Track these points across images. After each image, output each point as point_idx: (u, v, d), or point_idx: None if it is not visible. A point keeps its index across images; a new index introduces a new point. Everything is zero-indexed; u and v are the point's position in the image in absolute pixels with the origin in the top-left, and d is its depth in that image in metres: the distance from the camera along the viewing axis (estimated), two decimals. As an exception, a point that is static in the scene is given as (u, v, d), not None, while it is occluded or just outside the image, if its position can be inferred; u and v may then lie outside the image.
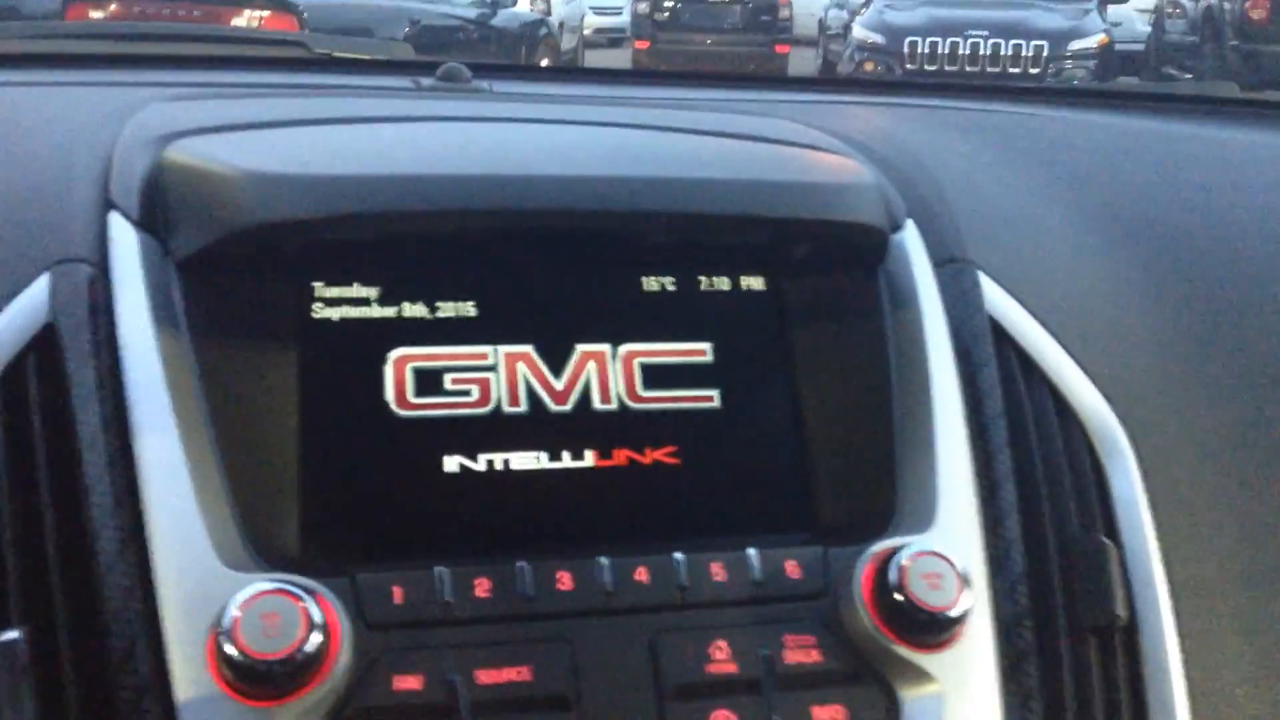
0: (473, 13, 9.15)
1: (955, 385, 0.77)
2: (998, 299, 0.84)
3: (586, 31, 14.69)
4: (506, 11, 9.61)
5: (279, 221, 0.69)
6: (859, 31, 10.04)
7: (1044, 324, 0.84)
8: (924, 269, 0.83)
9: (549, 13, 11.49)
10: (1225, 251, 0.98)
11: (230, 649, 0.58)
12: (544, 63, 10.15)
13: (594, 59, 14.16)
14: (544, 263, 0.77)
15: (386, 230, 0.71)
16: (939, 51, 9.40)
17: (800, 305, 0.81)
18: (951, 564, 0.66)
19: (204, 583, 0.62)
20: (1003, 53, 9.33)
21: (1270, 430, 0.85)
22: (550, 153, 0.82)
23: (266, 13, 7.02)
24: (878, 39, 9.74)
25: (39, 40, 1.38)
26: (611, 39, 15.85)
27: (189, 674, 0.60)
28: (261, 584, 0.60)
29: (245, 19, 7.00)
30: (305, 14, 7.06)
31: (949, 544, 0.68)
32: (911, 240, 0.85)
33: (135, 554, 0.63)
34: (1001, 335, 0.83)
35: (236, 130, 0.84)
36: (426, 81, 1.23)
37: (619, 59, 13.43)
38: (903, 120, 1.27)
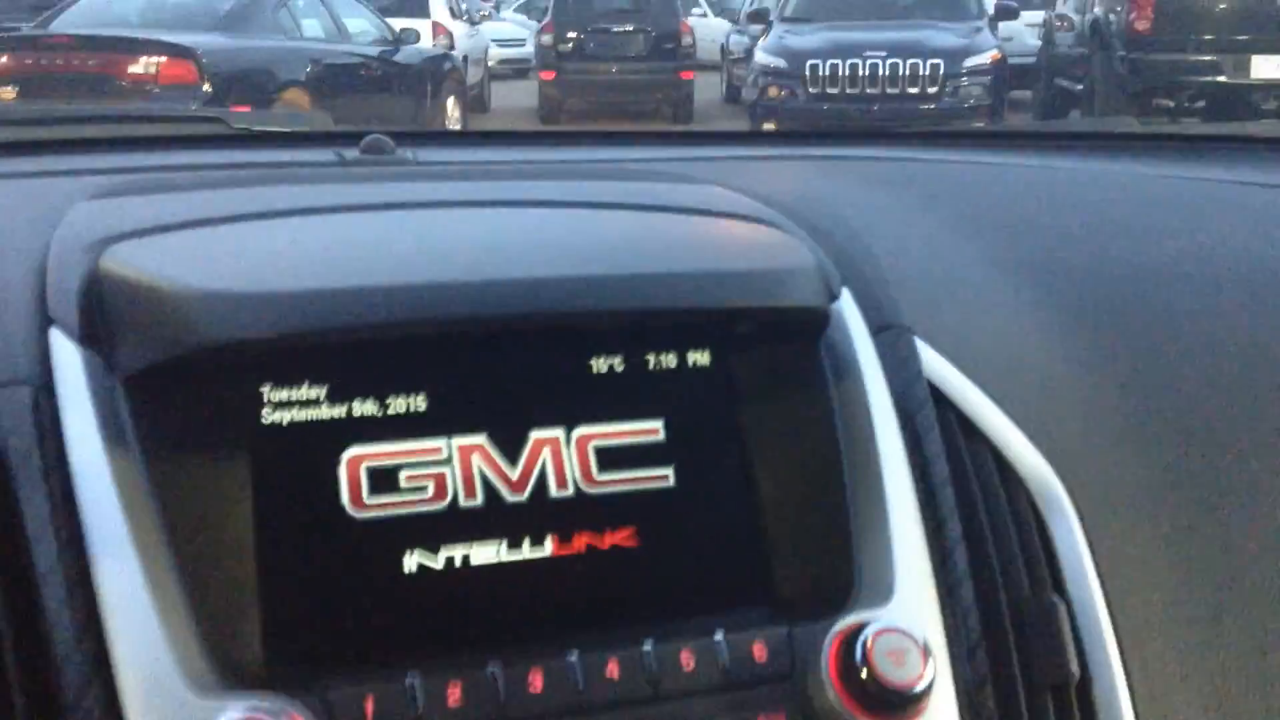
0: (374, 50, 9.11)
1: (902, 453, 0.79)
2: (935, 363, 0.87)
3: (491, 63, 14.68)
4: (409, 48, 9.57)
5: (229, 341, 0.68)
6: (761, 56, 10.19)
7: (981, 385, 0.86)
8: (863, 337, 0.85)
9: (452, 46, 11.46)
10: (1147, 296, 1.02)
11: None
12: (450, 99, 10.13)
13: (500, 90, 14.17)
14: (492, 355, 0.78)
15: (336, 341, 0.71)
16: (839, 73, 9.58)
17: (746, 378, 0.82)
18: (913, 638, 0.68)
19: (173, 711, 0.61)
20: (901, 72, 9.54)
21: (1202, 476, 0.89)
22: (493, 251, 0.82)
23: (163, 58, 6.92)
24: (780, 63, 9.89)
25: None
26: (516, 69, 15.88)
27: None
28: (234, 711, 0.59)
29: (142, 65, 6.89)
30: (204, 59, 6.97)
31: (909, 616, 0.70)
32: (849, 309, 0.87)
33: (101, 685, 0.62)
34: (940, 399, 0.85)
35: (170, 231, 0.83)
36: (350, 154, 1.23)
37: (525, 89, 13.45)
38: (821, 174, 1.29)
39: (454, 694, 0.66)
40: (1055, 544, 0.82)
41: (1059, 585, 0.81)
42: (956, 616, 0.75)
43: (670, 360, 0.82)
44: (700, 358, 0.82)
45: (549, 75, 12.42)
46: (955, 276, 1.00)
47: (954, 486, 0.80)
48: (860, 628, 0.68)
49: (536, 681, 0.67)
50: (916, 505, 0.78)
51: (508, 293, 0.74)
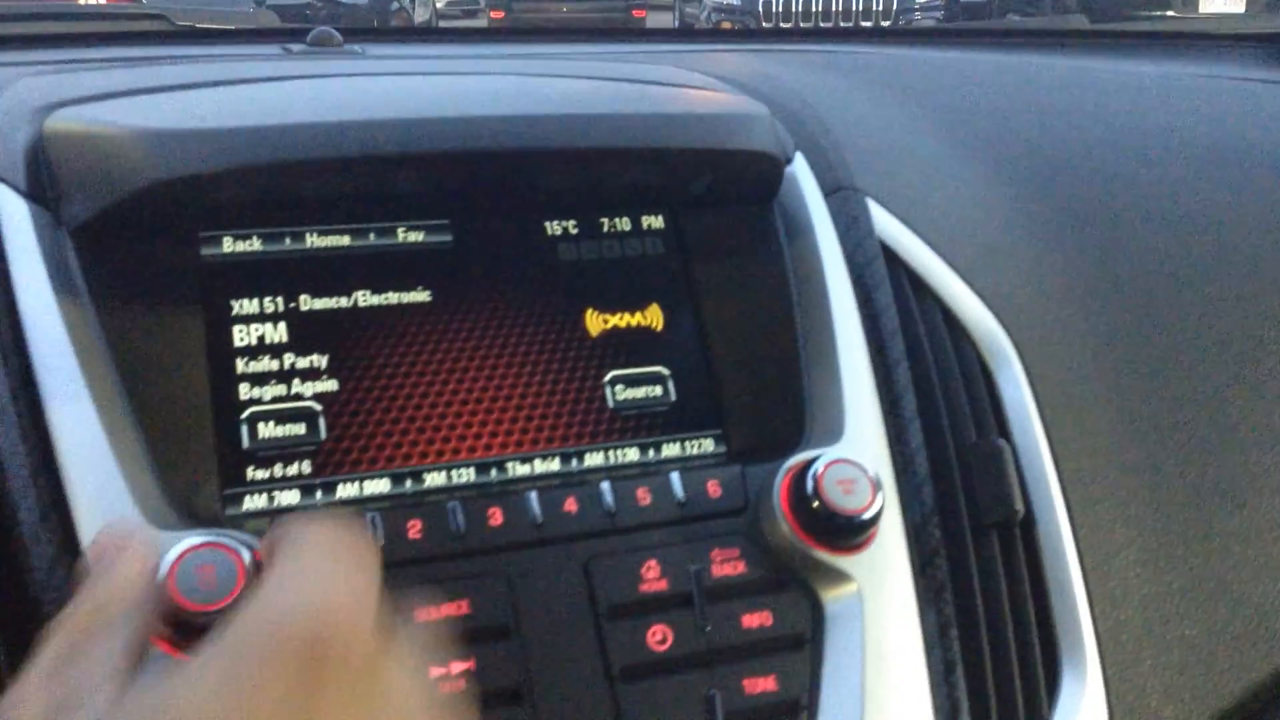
0: (322, -13, 8.96)
1: (853, 306, 0.80)
2: (887, 224, 0.88)
3: (439, 4, 14.47)
4: (357, -14, 9.42)
5: (170, 179, 0.68)
6: (715, -7, 10.13)
7: (930, 245, 0.88)
8: (816, 199, 0.86)
9: (400, -14, 11.27)
10: (1090, 167, 1.04)
11: (167, 605, 0.58)
12: (399, 37, 9.96)
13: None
14: (442, 207, 0.78)
15: (282, 180, 0.71)
16: (794, 9, 9.54)
17: (700, 240, 0.83)
18: (863, 469, 0.69)
19: None
20: (854, 8, 9.52)
21: (1143, 331, 0.91)
22: (438, 98, 0.82)
23: (109, -4, 6.77)
24: (734, 0, 9.84)
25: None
26: (465, 10, 15.65)
27: None
28: (193, 538, 0.60)
29: None
30: (146, -4, 6.84)
31: (859, 452, 0.71)
32: (802, 172, 0.87)
33: (59, 523, 0.62)
34: (892, 258, 0.86)
35: (117, 97, 0.82)
36: (297, 48, 1.21)
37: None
38: (776, 63, 1.30)
39: (413, 528, 0.66)
40: (1001, 392, 0.84)
41: (1004, 430, 0.83)
42: (905, 456, 0.77)
43: (624, 223, 0.83)
44: (654, 221, 0.83)
45: (498, 14, 12.27)
46: (905, 146, 1.01)
47: (903, 337, 0.82)
48: (811, 462, 0.70)
49: (496, 515, 0.68)
50: (867, 354, 0.79)
51: (450, 129, 0.74)
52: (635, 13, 12.28)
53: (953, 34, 1.60)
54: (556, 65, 1.04)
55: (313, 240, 0.76)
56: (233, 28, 1.39)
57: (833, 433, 0.75)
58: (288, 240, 0.76)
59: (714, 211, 0.84)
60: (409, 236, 0.78)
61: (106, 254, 0.71)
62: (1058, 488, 0.81)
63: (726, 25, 9.71)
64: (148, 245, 0.72)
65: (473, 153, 0.74)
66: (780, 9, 9.57)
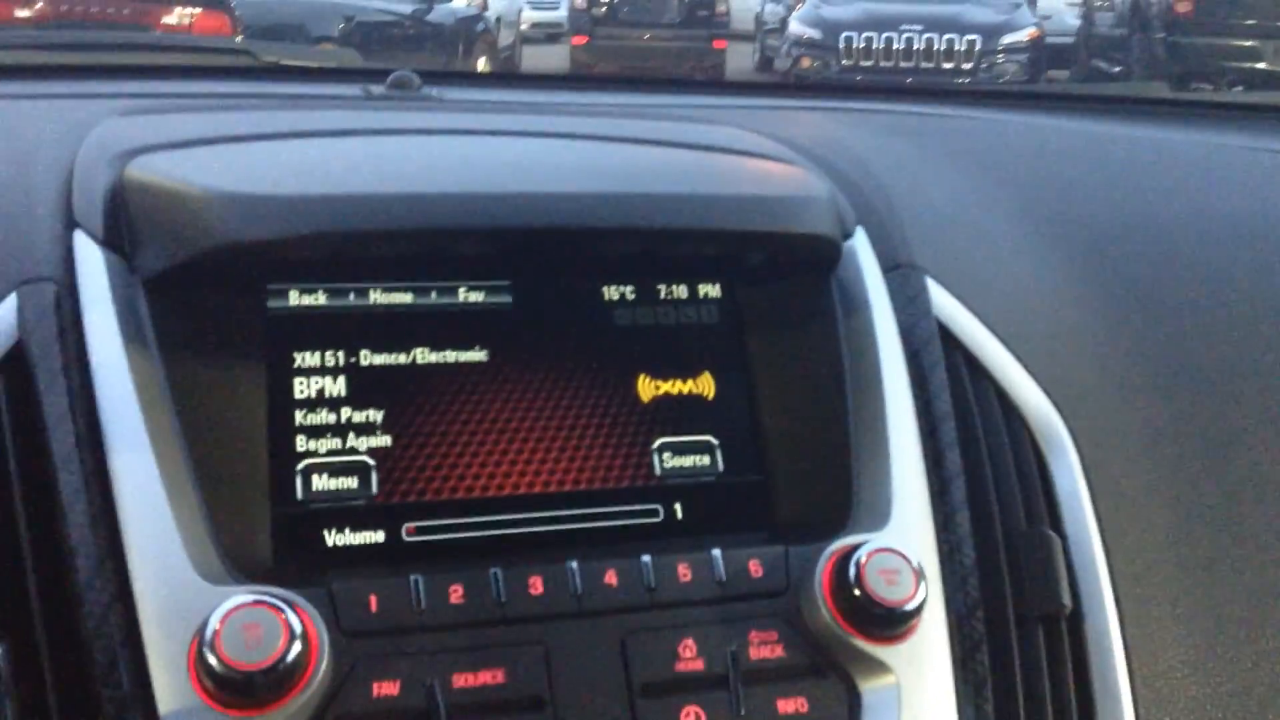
0: (408, 8, 9.09)
1: (906, 387, 0.80)
2: (945, 303, 0.87)
3: (524, 26, 14.62)
4: (443, 7, 9.54)
5: (246, 242, 0.70)
6: (795, 27, 10.12)
7: (989, 326, 0.87)
8: (874, 275, 0.86)
9: (486, 8, 11.41)
10: (1161, 251, 1.02)
11: (212, 660, 0.59)
12: (482, 59, 10.11)
13: (531, 54, 14.11)
14: (498, 270, 0.80)
15: (349, 244, 0.73)
16: (874, 46, 9.50)
17: (756, 312, 0.84)
18: (907, 559, 0.69)
19: (183, 597, 0.63)
20: (936, 47, 9.46)
21: (1204, 424, 0.89)
22: (506, 167, 0.84)
23: (198, 10, 6.93)
24: (814, 34, 9.82)
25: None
26: (549, 34, 15.80)
27: (171, 686, 0.61)
28: (242, 596, 0.61)
29: (176, 16, 6.90)
30: (238, 12, 6.99)
31: (904, 540, 0.71)
32: (861, 247, 0.87)
33: (114, 570, 0.64)
34: (949, 338, 0.86)
35: (196, 146, 0.84)
36: (376, 89, 1.24)
37: (556, 54, 13.41)
38: (845, 125, 1.30)
39: (455, 593, 0.67)
40: (1054, 481, 0.83)
41: (1056, 521, 0.82)
42: (951, 545, 0.77)
43: (681, 291, 0.83)
44: (711, 289, 0.84)
45: (581, 40, 12.35)
46: (969, 221, 1.00)
47: (956, 421, 0.81)
48: (855, 548, 0.69)
49: (536, 585, 0.69)
50: (918, 437, 0.79)
51: (515, 204, 0.75)
52: (716, 43, 12.30)
53: (1029, 96, 1.59)
54: (625, 126, 1.05)
55: (376, 297, 0.78)
56: (315, 65, 1.42)
57: (879, 517, 0.74)
58: (352, 296, 0.77)
59: (771, 283, 0.84)
60: (470, 296, 0.79)
61: (176, 303, 0.73)
62: (1108, 582, 0.80)
63: (806, 61, 9.70)
64: (216, 296, 0.74)
65: (531, 230, 0.75)
66: (861, 46, 9.54)
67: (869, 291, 0.84)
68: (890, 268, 0.88)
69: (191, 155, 0.82)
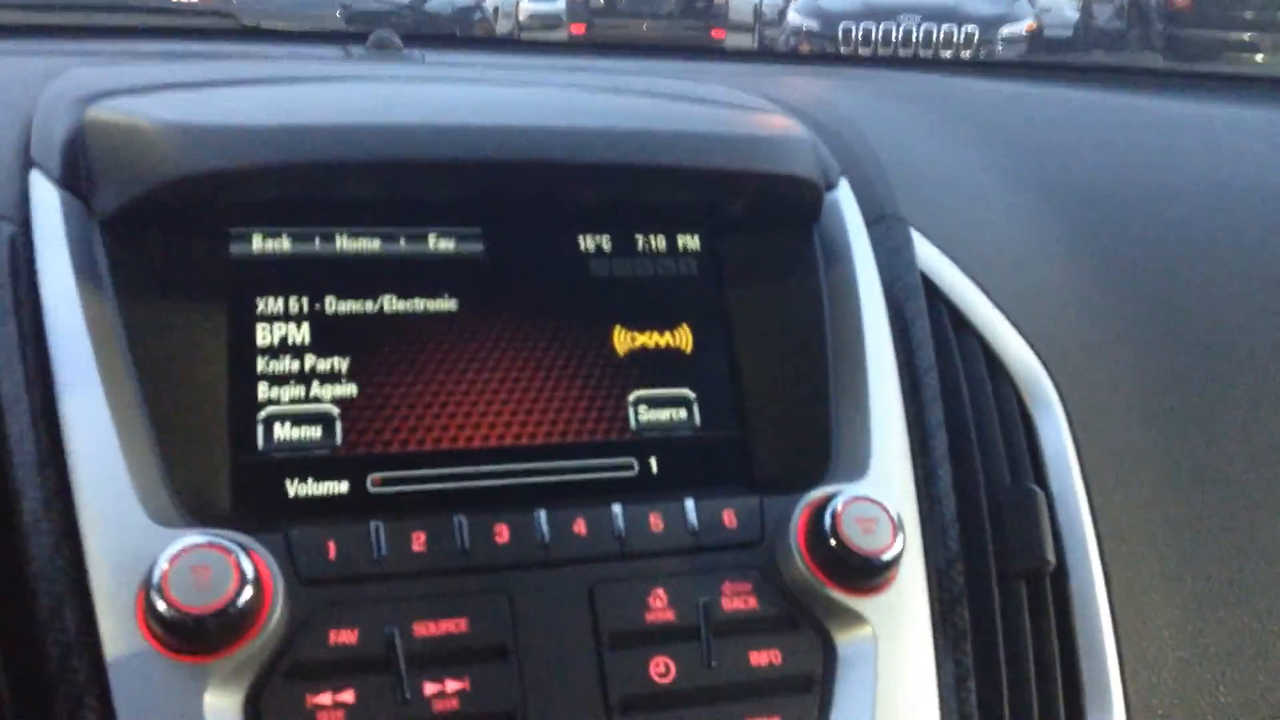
0: (405, -2, 9.06)
1: (888, 339, 0.78)
2: (930, 255, 0.85)
3: (521, 17, 14.57)
4: (440, -3, 9.52)
5: (202, 173, 0.68)
6: (794, 17, 10.09)
7: (975, 280, 0.85)
8: (857, 226, 0.83)
9: (483, -2, 11.37)
10: (1152, 212, 1.00)
11: (160, 604, 0.57)
12: (479, 47, 10.05)
13: (529, 44, 14.03)
14: (474, 215, 0.77)
15: (312, 180, 0.71)
16: (873, 36, 9.48)
17: (736, 263, 0.81)
18: (885, 509, 0.67)
19: (132, 539, 0.61)
20: (935, 38, 9.43)
21: (1194, 382, 0.87)
22: (479, 107, 0.81)
23: (195, -2, 6.92)
24: (812, 24, 9.79)
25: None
26: (546, 24, 15.76)
27: (118, 630, 0.59)
28: (192, 538, 0.59)
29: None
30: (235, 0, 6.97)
31: (882, 491, 0.69)
32: (845, 198, 0.85)
33: (60, 512, 0.62)
34: (933, 291, 0.84)
35: (161, 90, 0.82)
36: (357, 50, 1.22)
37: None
38: (836, 87, 1.28)
39: (417, 540, 0.65)
40: (1039, 437, 0.81)
41: (1040, 477, 0.80)
42: (932, 498, 0.75)
43: (659, 242, 0.81)
44: (690, 240, 0.82)
45: (579, 29, 12.31)
46: (957, 177, 0.98)
47: (939, 375, 0.79)
48: (831, 498, 0.67)
49: (502, 533, 0.66)
50: (899, 390, 0.76)
51: (483, 138, 0.72)
52: (714, 33, 12.25)
53: (1025, 68, 1.56)
54: (609, 80, 1.02)
55: (342, 242, 0.76)
56: (295, 28, 1.39)
57: (857, 468, 0.72)
58: (317, 241, 0.75)
59: (752, 234, 0.82)
60: (440, 244, 0.77)
61: (135, 246, 0.71)
62: (1093, 540, 0.78)
63: (805, 49, 9.69)
64: (177, 239, 0.72)
65: (503, 163, 0.73)
66: (860, 36, 9.51)
67: (852, 243, 0.82)
68: (874, 219, 0.85)
69: (155, 97, 0.80)
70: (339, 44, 1.28)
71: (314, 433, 0.71)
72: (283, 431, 0.71)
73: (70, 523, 0.61)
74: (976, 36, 9.49)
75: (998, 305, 0.84)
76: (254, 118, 0.71)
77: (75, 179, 0.73)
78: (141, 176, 0.69)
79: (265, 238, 0.74)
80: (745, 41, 13.32)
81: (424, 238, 0.77)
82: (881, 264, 0.82)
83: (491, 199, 0.77)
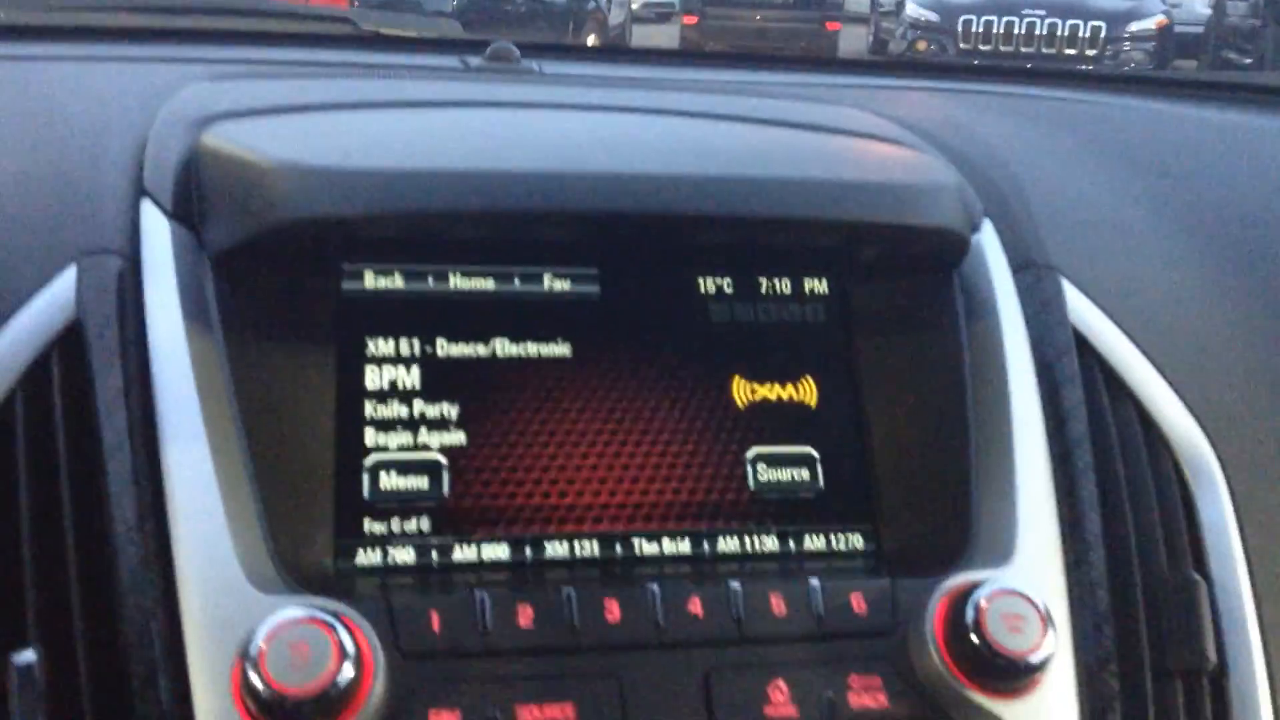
0: (521, -17, 9.11)
1: (1036, 403, 0.72)
2: (1082, 308, 0.79)
3: (634, 5, 14.57)
4: (555, -17, 9.55)
5: (318, 218, 0.65)
6: (913, 9, 9.88)
7: (1131, 336, 0.78)
8: (1003, 275, 0.77)
9: (598, -14, 11.39)
10: None
11: (256, 681, 0.54)
12: (591, 37, 10.08)
13: (641, 34, 14.05)
14: (591, 254, 0.73)
15: (428, 225, 0.67)
16: (994, 30, 9.24)
17: (868, 311, 0.76)
18: (1034, 603, 0.61)
19: (231, 606, 0.58)
20: (1059, 33, 9.16)
21: None
22: (601, 146, 0.77)
23: (312, -28, 7.04)
24: (932, 17, 9.58)
25: (73, 12, 1.34)
26: (660, 13, 15.75)
27: (212, 705, 0.56)
28: (291, 610, 0.56)
29: (296, -11, 7.03)
30: (355, -16, 7.09)
31: (1030, 580, 0.63)
32: (989, 243, 0.79)
33: (159, 573, 0.59)
34: (1085, 349, 0.77)
35: (276, 114, 0.80)
36: (474, 61, 1.18)
37: (667, 34, 13.34)
38: (970, 107, 1.21)
39: (524, 615, 0.61)
40: (1200, 516, 0.74)
41: (1201, 562, 0.73)
42: (1083, 587, 0.68)
43: (785, 285, 0.76)
44: (818, 285, 0.77)
45: (691, 20, 12.25)
46: (1109, 218, 0.91)
47: (1092, 444, 0.72)
48: (974, 587, 0.62)
49: (613, 609, 0.62)
50: (1048, 461, 0.70)
51: (606, 186, 0.68)
52: (829, 25, 12.09)
53: (1168, 83, 1.47)
54: (732, 103, 0.97)
55: (456, 281, 0.72)
56: (414, 35, 1.37)
57: (1001, 552, 0.66)
58: (430, 279, 0.72)
59: (886, 280, 0.76)
60: (555, 285, 0.73)
61: (245, 282, 0.69)
62: (1258, 635, 0.71)
63: (922, 45, 9.47)
64: (288, 275, 0.69)
65: (624, 214, 0.68)
66: (980, 29, 9.27)
67: (997, 293, 0.76)
68: (1020, 267, 0.79)
69: (269, 123, 0.77)
70: (457, 53, 1.25)
71: (421, 483, 0.68)
72: (389, 480, 0.68)
73: (169, 584, 0.59)
74: (1104, 32, 9.19)
75: (1155, 365, 0.78)
76: (371, 159, 0.68)
77: (187, 210, 0.71)
78: (256, 216, 0.66)
79: (378, 275, 0.71)
80: (861, 33, 13.12)
81: (539, 277, 0.73)
82: (1029, 318, 0.76)
83: (610, 240, 0.73)
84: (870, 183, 0.73)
